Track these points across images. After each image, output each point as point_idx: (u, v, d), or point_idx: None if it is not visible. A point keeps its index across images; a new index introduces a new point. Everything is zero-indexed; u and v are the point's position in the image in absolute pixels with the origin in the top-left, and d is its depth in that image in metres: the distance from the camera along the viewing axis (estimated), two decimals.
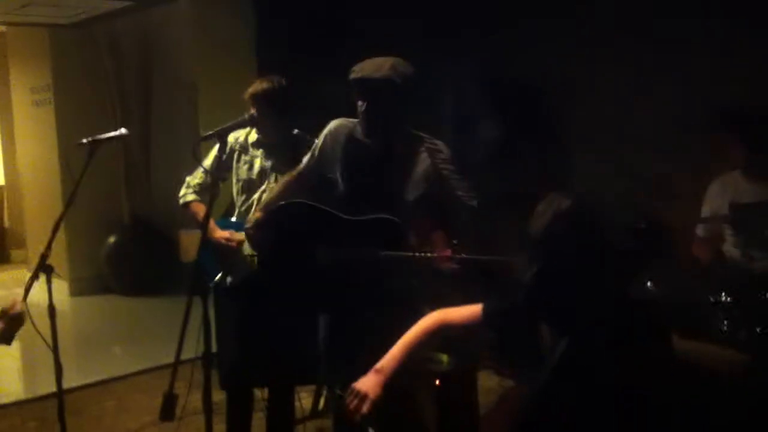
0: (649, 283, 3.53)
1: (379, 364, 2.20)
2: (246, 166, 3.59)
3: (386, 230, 2.78)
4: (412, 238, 2.86)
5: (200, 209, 3.62)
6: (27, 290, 2.93)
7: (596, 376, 1.82)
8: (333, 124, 3.07)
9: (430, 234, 2.89)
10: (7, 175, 9.86)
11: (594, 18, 4.91)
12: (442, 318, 2.27)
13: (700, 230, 3.85)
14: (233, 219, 3.63)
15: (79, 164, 3.06)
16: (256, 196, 3.56)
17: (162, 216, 7.66)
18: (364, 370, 2.26)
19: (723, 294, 3.47)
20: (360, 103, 2.87)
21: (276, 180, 3.49)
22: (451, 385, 3.52)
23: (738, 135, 3.64)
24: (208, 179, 3.60)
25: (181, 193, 3.71)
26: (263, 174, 3.56)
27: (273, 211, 3.00)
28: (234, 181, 3.62)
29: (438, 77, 5.34)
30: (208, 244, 3.45)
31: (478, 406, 3.73)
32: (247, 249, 3.45)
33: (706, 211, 3.82)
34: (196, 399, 3.87)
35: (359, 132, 2.98)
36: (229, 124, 2.71)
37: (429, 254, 2.79)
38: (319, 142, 3.09)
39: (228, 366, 3.64)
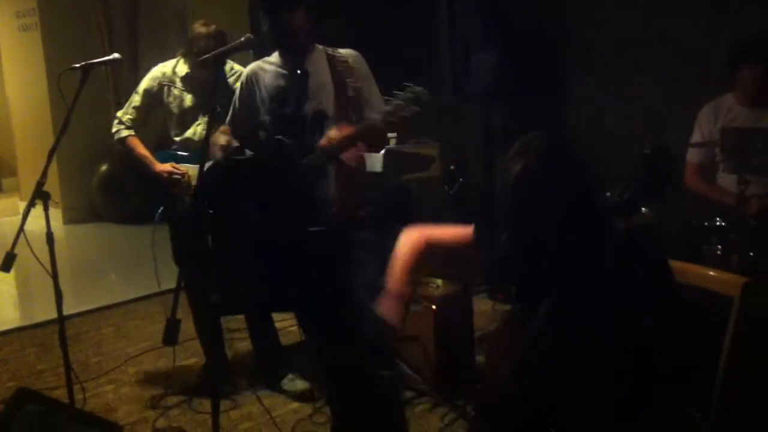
0: (643, 209, 3.55)
1: (393, 289, 2.18)
2: (177, 101, 3.61)
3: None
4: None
5: (137, 144, 3.66)
6: (24, 218, 2.93)
7: (596, 302, 1.84)
8: (246, 71, 2.99)
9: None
10: None
11: None
12: (426, 236, 2.25)
13: (691, 155, 3.83)
14: (171, 151, 3.66)
15: (67, 90, 3.01)
16: (191, 130, 3.61)
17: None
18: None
19: (717, 219, 3.50)
20: (268, 25, 2.77)
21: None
22: (447, 308, 3.57)
23: (750, 56, 3.59)
24: (139, 115, 3.66)
25: (114, 128, 3.70)
26: (195, 107, 3.61)
27: (205, 178, 2.91)
28: (168, 114, 3.64)
29: (441, 12, 5.27)
30: (148, 176, 3.58)
31: (473, 329, 3.79)
32: (189, 180, 3.51)
33: (697, 136, 3.80)
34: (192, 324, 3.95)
35: (273, 64, 2.92)
36: (225, 47, 2.65)
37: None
38: (237, 93, 3.02)
39: (196, 296, 3.70)
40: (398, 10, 5.52)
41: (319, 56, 2.87)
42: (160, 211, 3.56)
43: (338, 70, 2.79)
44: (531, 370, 1.85)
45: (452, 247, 2.26)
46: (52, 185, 3.00)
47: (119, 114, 3.68)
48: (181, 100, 3.60)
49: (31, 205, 2.96)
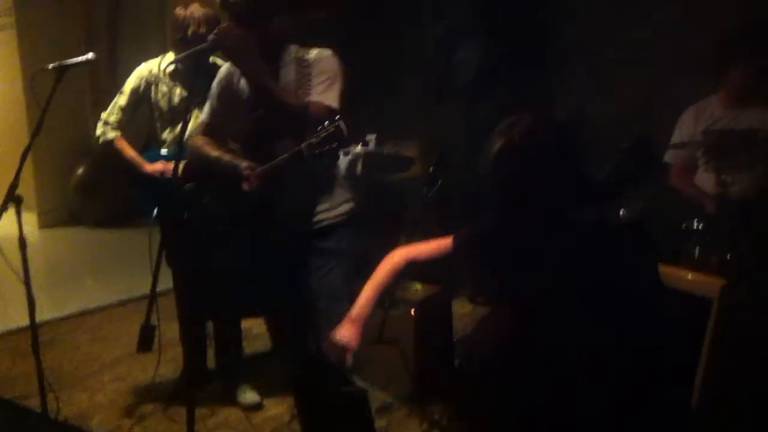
0: (621, 210, 3.55)
1: (353, 313, 2.26)
2: (165, 97, 3.53)
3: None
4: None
5: (125, 146, 3.58)
6: None
7: (576, 299, 1.82)
8: (222, 70, 2.92)
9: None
10: None
11: None
12: (408, 255, 2.30)
13: (668, 156, 3.86)
14: (163, 151, 3.57)
15: (44, 91, 2.96)
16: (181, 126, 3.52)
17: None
18: None
19: (695, 220, 3.50)
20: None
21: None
22: (427, 312, 3.54)
23: (747, 56, 3.59)
24: (126, 116, 3.57)
25: (99, 131, 3.61)
26: (185, 101, 3.51)
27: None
28: (156, 114, 3.55)
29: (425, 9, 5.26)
30: (139, 177, 3.50)
31: (453, 332, 3.77)
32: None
33: (676, 137, 3.82)
34: (171, 330, 3.90)
35: None
36: (189, 51, 2.61)
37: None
38: (214, 91, 2.93)
39: (181, 298, 3.64)
40: (381, 8, 5.50)
41: (289, 58, 2.81)
42: (155, 211, 3.48)
43: (300, 71, 2.74)
44: (512, 363, 1.83)
45: (434, 259, 2.27)
46: (27, 188, 2.95)
47: (104, 115, 3.58)
48: (170, 96, 3.52)
49: (2, 209, 2.91)
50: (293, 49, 2.81)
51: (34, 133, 2.98)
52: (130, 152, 3.55)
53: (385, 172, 4.79)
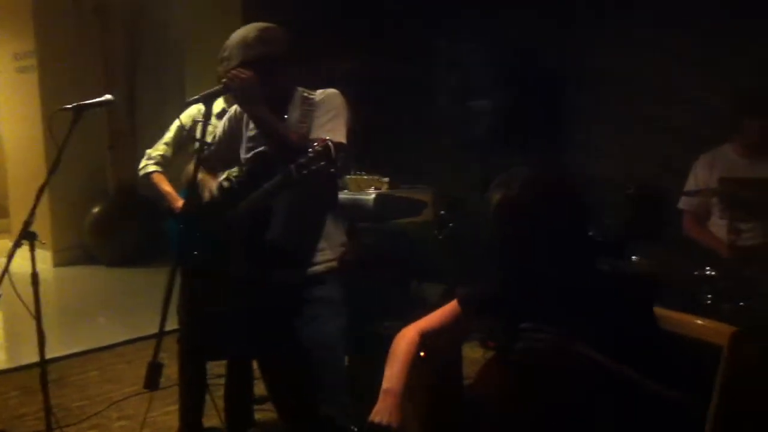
0: (634, 257, 3.54)
1: (387, 386, 2.16)
2: (210, 137, 3.53)
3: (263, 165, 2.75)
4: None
5: (161, 180, 3.64)
6: (9, 257, 2.90)
7: (579, 348, 1.81)
8: (233, 107, 2.99)
9: None
10: None
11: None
12: (419, 328, 2.26)
13: (683, 203, 3.89)
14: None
15: (62, 131, 3.01)
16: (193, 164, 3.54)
17: (147, 185, 7.59)
18: None
19: (707, 267, 3.49)
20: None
21: None
22: (436, 355, 3.52)
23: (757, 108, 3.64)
24: (169, 151, 3.65)
25: (142, 164, 3.70)
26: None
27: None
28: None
29: (446, 54, 5.35)
30: (172, 213, 3.54)
31: (463, 377, 3.74)
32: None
33: (691, 184, 3.85)
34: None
35: None
36: (216, 88, 2.68)
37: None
38: (223, 125, 3.02)
39: (187, 337, 3.59)
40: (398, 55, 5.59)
41: (296, 99, 2.86)
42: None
43: (305, 110, 2.79)
44: (512, 413, 1.82)
45: (446, 326, 2.24)
46: (43, 226, 2.99)
47: (149, 151, 3.68)
48: (215, 135, 3.54)
49: (17, 245, 2.94)
50: (299, 90, 2.86)
51: (50, 171, 3.03)
52: (166, 187, 3.62)
53: (397, 215, 4.80)
